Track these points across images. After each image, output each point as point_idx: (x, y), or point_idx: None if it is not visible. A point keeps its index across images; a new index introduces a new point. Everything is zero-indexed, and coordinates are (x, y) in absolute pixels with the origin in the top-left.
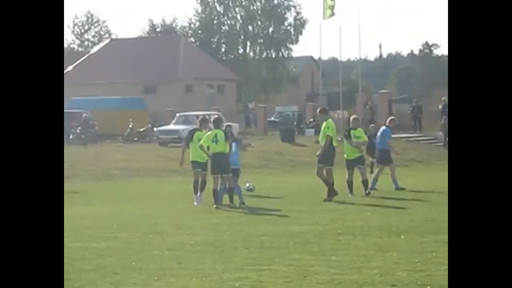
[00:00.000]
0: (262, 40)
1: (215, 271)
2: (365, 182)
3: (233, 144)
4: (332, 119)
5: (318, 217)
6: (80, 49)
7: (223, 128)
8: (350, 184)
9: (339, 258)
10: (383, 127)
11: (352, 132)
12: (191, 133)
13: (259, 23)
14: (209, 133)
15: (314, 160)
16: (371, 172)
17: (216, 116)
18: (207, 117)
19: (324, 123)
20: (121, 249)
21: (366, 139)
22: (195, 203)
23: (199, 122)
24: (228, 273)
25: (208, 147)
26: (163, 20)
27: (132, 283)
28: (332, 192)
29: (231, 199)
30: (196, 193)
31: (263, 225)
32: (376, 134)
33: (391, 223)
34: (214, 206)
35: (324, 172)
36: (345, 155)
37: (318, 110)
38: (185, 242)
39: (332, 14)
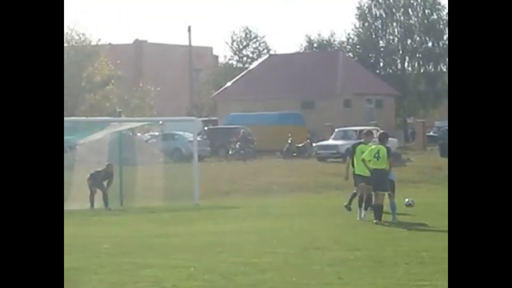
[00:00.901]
0: (420, 55)
1: (376, 287)
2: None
3: None
4: None
5: None
6: (239, 65)
7: (387, 144)
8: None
9: None
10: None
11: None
12: (354, 146)
13: (417, 38)
14: (373, 147)
15: None
16: None
17: (382, 131)
18: (373, 130)
19: None
20: (281, 264)
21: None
22: (358, 219)
23: (364, 135)
24: None
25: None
26: (319, 35)
27: None
28: None
29: (377, 216)
30: (360, 207)
31: (423, 240)
32: None
33: None
34: (374, 221)
35: None
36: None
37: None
38: (345, 257)
39: None
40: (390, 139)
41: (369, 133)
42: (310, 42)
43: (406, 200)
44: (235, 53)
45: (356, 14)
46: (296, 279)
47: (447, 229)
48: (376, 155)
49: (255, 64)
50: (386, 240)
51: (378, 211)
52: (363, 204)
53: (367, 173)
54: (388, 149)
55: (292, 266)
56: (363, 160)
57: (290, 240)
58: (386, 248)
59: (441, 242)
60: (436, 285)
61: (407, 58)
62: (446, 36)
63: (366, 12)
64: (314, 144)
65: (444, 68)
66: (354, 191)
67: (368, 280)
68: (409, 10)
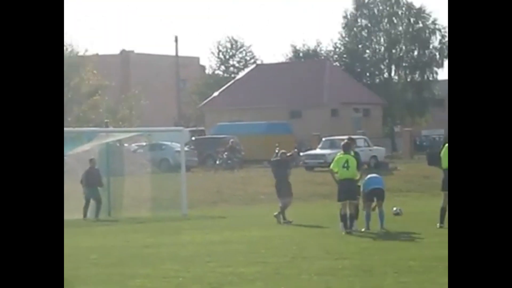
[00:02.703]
0: (406, 64)
1: None
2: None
3: None
4: None
5: None
6: (225, 75)
7: (353, 151)
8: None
9: None
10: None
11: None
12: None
13: (403, 47)
14: (340, 157)
15: None
16: None
17: (346, 140)
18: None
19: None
20: (270, 274)
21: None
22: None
23: (343, 145)
24: None
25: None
26: (304, 45)
27: None
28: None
29: (347, 225)
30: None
31: (412, 249)
32: None
33: None
34: (343, 232)
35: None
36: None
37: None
38: (334, 266)
39: None
40: (377, 147)
41: (348, 143)
42: (295, 51)
43: (394, 209)
44: (221, 63)
45: (342, 23)
46: None
47: (435, 238)
48: (345, 165)
49: (241, 74)
50: (375, 249)
51: (345, 220)
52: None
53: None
54: (356, 155)
55: (280, 275)
56: (331, 171)
57: (279, 249)
58: (374, 257)
59: (430, 251)
60: None
61: (393, 67)
62: (432, 46)
63: (352, 21)
64: (301, 154)
65: (431, 77)
66: None
67: None
68: (394, 19)
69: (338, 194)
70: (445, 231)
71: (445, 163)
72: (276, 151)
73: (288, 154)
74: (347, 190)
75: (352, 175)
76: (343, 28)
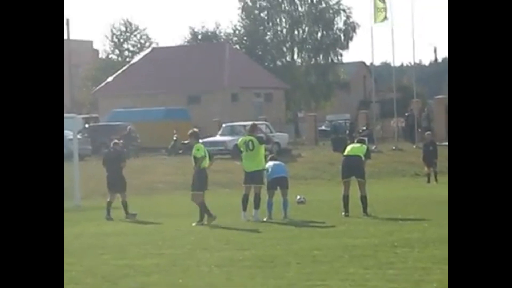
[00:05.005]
0: (310, 46)
1: (267, 287)
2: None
3: None
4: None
5: (373, 229)
6: (120, 59)
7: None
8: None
9: (396, 271)
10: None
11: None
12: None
13: (306, 28)
14: (244, 137)
15: (368, 170)
16: (428, 182)
17: (252, 123)
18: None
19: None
20: (167, 266)
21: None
22: (243, 219)
23: (247, 130)
24: None
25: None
26: (203, 27)
27: None
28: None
29: (246, 207)
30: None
31: (316, 239)
32: (433, 142)
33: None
34: (245, 220)
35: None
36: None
37: (188, 133)
38: (234, 257)
39: (385, 18)
40: (280, 134)
41: (253, 127)
42: (194, 34)
43: (298, 197)
44: (115, 47)
45: (240, 5)
46: (183, 281)
47: (340, 226)
48: (250, 146)
49: (137, 58)
50: (277, 239)
51: (245, 202)
52: (254, 204)
53: (250, 169)
54: (259, 138)
55: (178, 267)
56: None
57: (177, 240)
58: (277, 247)
59: (335, 240)
60: (329, 285)
61: (296, 49)
62: (336, 27)
63: (251, 2)
64: (200, 141)
65: (335, 59)
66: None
67: (258, 281)
68: None
69: (244, 178)
70: (351, 220)
71: (357, 150)
72: (174, 138)
73: (186, 141)
74: (252, 176)
75: (256, 157)
76: (241, 10)
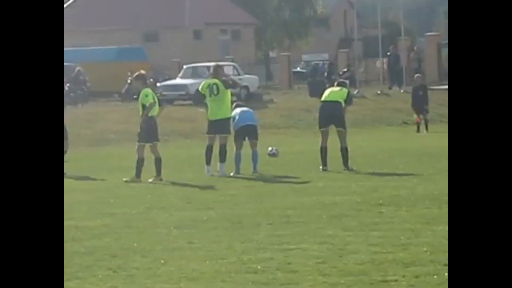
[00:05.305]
0: None
1: (233, 252)
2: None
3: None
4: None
5: (355, 186)
6: None
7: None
8: None
9: (380, 233)
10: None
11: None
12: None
13: None
14: (207, 81)
15: (350, 118)
16: (418, 131)
17: (215, 63)
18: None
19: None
20: (120, 227)
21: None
22: (207, 173)
23: (210, 73)
24: (248, 254)
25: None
26: None
27: (134, 267)
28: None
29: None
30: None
31: (290, 196)
32: (423, 86)
33: (442, 191)
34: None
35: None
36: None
37: (134, 75)
38: (197, 218)
39: None
40: (249, 76)
41: (218, 68)
42: None
43: (269, 149)
44: None
45: None
46: (138, 245)
47: (318, 182)
48: (214, 91)
49: None
50: (246, 196)
51: (208, 155)
52: (220, 156)
53: (215, 117)
54: (224, 82)
55: (133, 229)
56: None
57: (131, 198)
58: (245, 206)
59: (309, 198)
60: (304, 248)
61: None
62: None
63: None
64: (158, 84)
65: None
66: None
67: (224, 244)
68: None
69: (208, 128)
70: (330, 174)
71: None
72: (129, 81)
73: None
74: (217, 124)
75: (222, 103)
76: None
